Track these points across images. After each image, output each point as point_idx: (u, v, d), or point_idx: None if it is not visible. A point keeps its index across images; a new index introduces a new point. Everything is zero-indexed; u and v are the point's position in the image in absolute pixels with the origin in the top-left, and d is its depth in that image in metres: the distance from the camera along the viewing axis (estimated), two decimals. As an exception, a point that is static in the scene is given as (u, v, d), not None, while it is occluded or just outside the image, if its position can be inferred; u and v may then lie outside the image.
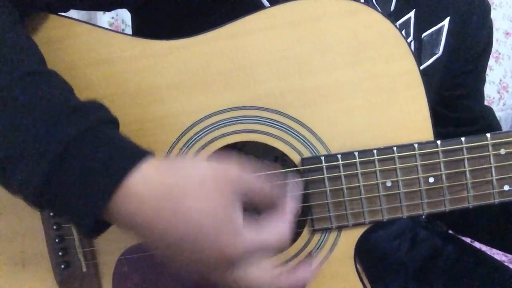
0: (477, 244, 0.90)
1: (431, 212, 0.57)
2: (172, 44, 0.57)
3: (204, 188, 0.44)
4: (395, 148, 0.56)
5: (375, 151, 0.56)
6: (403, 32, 0.70)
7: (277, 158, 0.73)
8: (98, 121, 0.45)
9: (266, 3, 0.62)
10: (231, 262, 0.44)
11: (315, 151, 0.58)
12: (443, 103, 0.79)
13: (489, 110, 0.84)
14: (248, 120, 0.58)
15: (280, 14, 0.56)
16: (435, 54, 0.74)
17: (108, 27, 1.80)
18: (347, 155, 0.57)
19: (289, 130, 0.58)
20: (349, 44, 0.56)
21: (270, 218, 0.48)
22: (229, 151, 0.58)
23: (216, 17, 0.58)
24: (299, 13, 0.56)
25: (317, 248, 0.60)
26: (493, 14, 0.81)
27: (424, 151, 0.56)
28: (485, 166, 0.56)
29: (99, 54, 0.57)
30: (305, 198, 0.58)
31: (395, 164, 0.57)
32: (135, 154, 0.44)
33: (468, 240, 0.90)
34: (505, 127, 2.46)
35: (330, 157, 0.57)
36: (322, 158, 0.57)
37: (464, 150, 0.56)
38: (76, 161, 0.43)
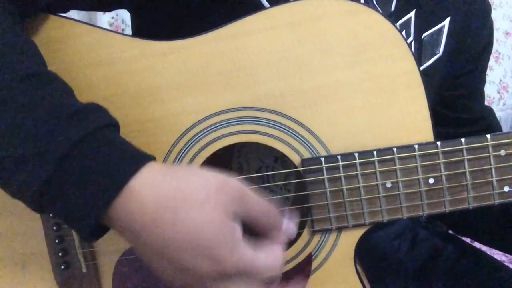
0: (477, 244, 0.90)
1: (431, 213, 0.57)
2: (172, 45, 0.57)
3: (207, 199, 0.43)
4: (395, 149, 0.56)
5: (375, 152, 0.56)
6: (404, 32, 0.70)
7: (277, 159, 0.73)
8: (99, 124, 0.45)
9: (266, 4, 0.62)
10: (224, 276, 0.44)
11: (315, 152, 0.58)
12: (443, 103, 0.79)
13: (489, 110, 0.84)
14: (248, 121, 0.58)
15: (280, 14, 0.56)
16: (435, 54, 0.73)
17: (108, 27, 1.81)
18: (347, 156, 0.57)
19: (289, 131, 0.58)
20: (349, 44, 0.56)
21: (266, 245, 0.48)
22: (229, 152, 0.58)
23: (216, 18, 0.58)
24: (299, 13, 0.56)
25: (317, 249, 0.60)
26: (493, 14, 0.80)
27: (424, 152, 0.56)
28: (485, 167, 0.56)
29: (99, 55, 0.57)
30: (305, 199, 0.58)
31: (395, 165, 0.57)
32: (137, 158, 0.44)
33: (468, 240, 0.90)
34: (505, 127, 2.46)
35: (330, 158, 0.57)
36: (322, 159, 0.57)
37: (464, 151, 0.56)
38: (76, 164, 0.42)
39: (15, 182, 0.43)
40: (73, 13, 0.61)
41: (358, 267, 0.61)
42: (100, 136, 0.44)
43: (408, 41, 0.70)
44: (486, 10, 0.79)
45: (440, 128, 0.61)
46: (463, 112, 0.81)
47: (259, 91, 0.57)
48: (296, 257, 0.60)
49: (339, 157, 0.57)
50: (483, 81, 0.83)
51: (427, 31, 0.72)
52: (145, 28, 0.69)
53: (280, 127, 0.58)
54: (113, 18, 1.87)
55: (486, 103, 0.85)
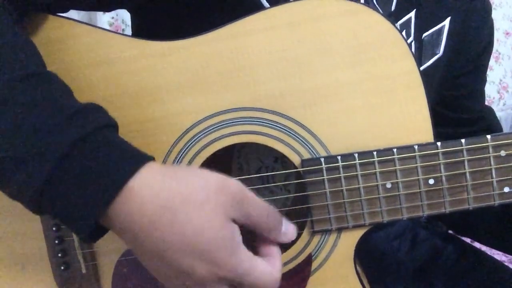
0: (477, 244, 0.90)
1: (431, 214, 0.57)
2: (172, 45, 0.57)
3: (207, 200, 0.43)
4: (395, 150, 0.56)
5: (375, 153, 0.56)
6: (404, 32, 0.70)
7: (277, 159, 0.73)
8: (98, 124, 0.45)
9: (266, 4, 0.62)
10: (222, 281, 0.44)
11: (315, 153, 0.58)
12: (443, 103, 0.79)
13: (490, 110, 0.84)
14: (248, 121, 0.58)
15: (280, 14, 0.56)
16: (435, 54, 0.73)
17: (108, 27, 1.81)
18: (347, 156, 0.57)
19: (288, 132, 0.58)
20: (349, 44, 0.56)
21: (267, 256, 0.47)
22: (229, 152, 0.58)
23: (216, 18, 0.58)
24: (299, 13, 0.56)
25: (317, 250, 0.60)
26: (493, 14, 0.80)
27: (424, 152, 0.56)
28: (485, 167, 0.56)
29: (99, 55, 0.57)
30: (305, 199, 0.58)
31: (395, 166, 0.56)
32: (136, 159, 0.44)
33: (468, 240, 0.90)
34: (505, 127, 2.47)
35: (330, 158, 0.57)
36: (322, 159, 0.57)
37: (464, 152, 0.56)
38: (76, 164, 0.42)
39: (14, 183, 0.43)
40: (73, 13, 0.61)
41: (358, 267, 0.61)
42: (100, 136, 0.44)
43: (408, 41, 0.70)
44: (486, 10, 0.78)
45: (440, 128, 0.61)
46: (463, 112, 0.81)
47: (259, 91, 0.57)
48: (296, 258, 0.60)
49: (339, 157, 0.57)
50: (483, 81, 0.83)
51: (427, 31, 0.72)
52: (145, 28, 0.69)
53: (280, 127, 0.58)
54: (113, 18, 1.87)
55: (486, 103, 0.85)
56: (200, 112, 0.58)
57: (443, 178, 0.57)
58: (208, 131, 0.58)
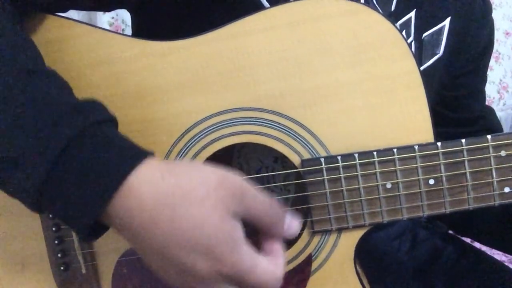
0: (477, 244, 0.90)
1: (431, 214, 0.57)
2: (172, 45, 0.57)
3: (207, 196, 0.43)
4: (395, 150, 0.56)
5: (375, 153, 0.56)
6: (404, 32, 0.70)
7: (277, 159, 0.73)
8: (97, 120, 0.44)
9: (266, 4, 0.62)
10: (223, 277, 0.43)
11: (315, 153, 0.58)
12: (443, 103, 0.79)
13: (490, 110, 0.84)
14: (248, 122, 0.58)
15: (280, 14, 0.56)
16: (436, 54, 0.73)
17: (108, 27, 1.81)
18: (347, 156, 0.57)
19: (288, 132, 0.58)
20: (349, 44, 0.56)
21: (270, 255, 0.47)
22: (229, 152, 0.58)
23: (216, 18, 0.58)
24: (299, 13, 0.56)
25: (317, 250, 0.60)
26: (493, 14, 0.80)
27: (425, 152, 0.56)
28: (485, 168, 0.56)
29: (99, 55, 0.57)
30: (305, 199, 0.58)
31: (395, 166, 0.56)
32: (135, 155, 0.44)
33: (468, 240, 0.90)
34: (505, 127, 2.47)
35: (330, 158, 0.57)
36: (322, 159, 0.57)
37: (465, 152, 0.56)
38: (75, 160, 0.42)
39: (14, 181, 0.43)
40: (73, 13, 0.61)
41: (358, 268, 0.61)
42: (98, 131, 0.44)
43: (408, 41, 0.70)
44: (486, 10, 0.78)
45: (440, 128, 0.61)
46: (464, 112, 0.81)
47: (259, 91, 0.57)
48: (296, 258, 0.60)
49: (339, 157, 0.57)
50: (483, 81, 0.83)
51: (427, 31, 0.72)
52: (145, 28, 0.69)
53: (280, 127, 0.58)
54: (113, 18, 1.87)
55: (486, 103, 0.85)
56: (200, 112, 0.58)
57: (443, 178, 0.57)
58: (208, 131, 0.58)
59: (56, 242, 0.59)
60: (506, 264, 0.82)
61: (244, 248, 0.44)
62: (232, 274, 0.43)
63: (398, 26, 0.66)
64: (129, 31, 0.76)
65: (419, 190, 0.57)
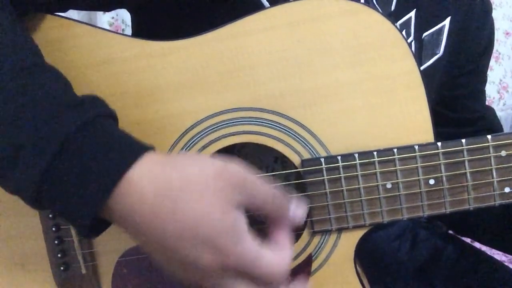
0: (477, 244, 0.90)
1: (432, 214, 0.57)
2: (172, 45, 0.57)
3: (206, 187, 0.42)
4: (395, 150, 0.56)
5: (375, 153, 0.56)
6: (404, 32, 0.70)
7: (277, 159, 0.73)
8: (97, 115, 0.44)
9: (266, 4, 0.62)
10: (227, 270, 0.43)
11: (315, 153, 0.58)
12: (443, 103, 0.79)
13: (490, 110, 0.84)
14: (248, 122, 0.58)
15: (280, 14, 0.56)
16: (436, 54, 0.73)
17: (108, 27, 1.81)
18: (347, 156, 0.57)
19: (289, 132, 0.58)
20: (349, 44, 0.56)
21: (275, 245, 0.46)
22: (229, 152, 0.58)
23: (216, 18, 0.58)
24: (299, 13, 0.56)
25: (317, 250, 0.60)
26: (493, 14, 0.80)
27: (425, 152, 0.56)
28: (486, 168, 0.56)
29: (99, 55, 0.57)
30: (305, 199, 0.58)
31: (395, 166, 0.56)
32: (135, 149, 0.44)
33: (468, 240, 0.90)
34: (505, 127, 2.47)
35: (330, 158, 0.57)
36: (322, 159, 0.57)
37: (465, 152, 0.56)
38: (75, 155, 0.42)
39: (14, 176, 0.43)
40: (73, 13, 0.61)
41: (358, 268, 0.61)
42: (98, 126, 0.44)
43: (408, 41, 0.70)
44: (486, 9, 0.79)
45: (441, 128, 0.61)
46: (464, 112, 0.81)
47: (259, 91, 0.57)
48: (296, 258, 0.60)
49: (339, 157, 0.57)
50: (483, 81, 0.83)
51: (427, 31, 0.72)
52: (145, 28, 0.69)
53: (280, 127, 0.58)
54: (113, 18, 1.87)
55: (486, 103, 0.85)
56: (200, 112, 0.58)
57: (444, 178, 0.57)
58: (208, 131, 0.58)
59: (56, 242, 0.59)
60: (506, 264, 0.82)
61: (248, 240, 0.43)
62: (236, 266, 0.42)
63: (398, 26, 0.66)
64: (129, 31, 0.76)
65: (419, 190, 0.57)
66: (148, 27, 0.68)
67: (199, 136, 0.58)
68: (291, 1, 0.56)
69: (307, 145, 0.58)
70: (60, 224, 0.59)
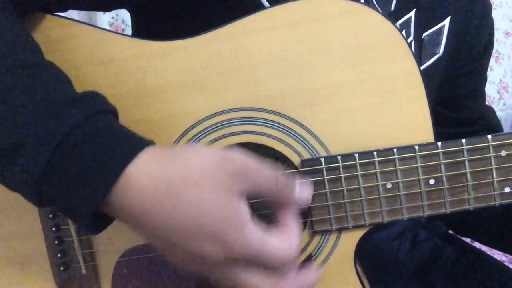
0: (477, 244, 0.90)
1: (432, 214, 0.57)
2: (172, 45, 0.57)
3: (205, 179, 0.42)
4: (395, 150, 0.56)
5: (375, 153, 0.56)
6: (404, 32, 0.70)
7: (277, 159, 0.73)
8: (97, 111, 0.44)
9: (266, 3, 0.62)
10: (234, 261, 0.42)
11: (315, 153, 0.58)
12: (443, 103, 0.79)
13: (490, 110, 0.84)
14: (248, 122, 0.58)
15: (280, 14, 0.56)
16: (435, 54, 0.73)
17: (108, 27, 1.81)
18: (347, 156, 0.57)
19: (289, 132, 0.58)
20: (349, 44, 0.56)
21: (280, 228, 0.45)
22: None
23: (215, 18, 0.58)
24: (299, 13, 0.56)
25: (317, 250, 0.60)
26: (493, 14, 0.80)
27: (425, 152, 0.56)
28: (486, 168, 0.56)
29: (99, 55, 0.57)
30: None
31: (395, 166, 0.56)
32: (135, 144, 0.43)
33: (468, 240, 0.90)
34: (505, 127, 2.47)
35: (330, 158, 0.57)
36: (322, 159, 0.57)
37: (465, 152, 0.56)
38: (75, 151, 0.42)
39: (14, 171, 0.43)
40: (73, 13, 0.61)
41: (358, 268, 0.61)
42: (98, 121, 0.44)
43: (408, 40, 0.70)
44: (486, 9, 0.79)
45: (441, 128, 0.61)
46: (464, 112, 0.81)
47: (259, 91, 0.57)
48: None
49: (339, 157, 0.57)
50: (483, 80, 0.83)
51: (427, 30, 0.72)
52: (145, 28, 0.69)
53: (280, 127, 0.58)
54: (113, 18, 1.87)
55: (486, 103, 0.85)
56: (200, 112, 0.58)
57: (444, 178, 0.57)
58: (208, 131, 0.58)
59: (56, 242, 0.59)
60: (506, 264, 0.82)
61: (251, 228, 0.42)
62: (242, 255, 0.42)
63: (398, 26, 0.66)
64: (129, 31, 0.76)
65: (419, 190, 0.57)
66: (148, 27, 0.68)
67: (199, 136, 0.58)
68: (291, 1, 0.56)
69: (307, 145, 0.58)
70: (60, 224, 0.59)
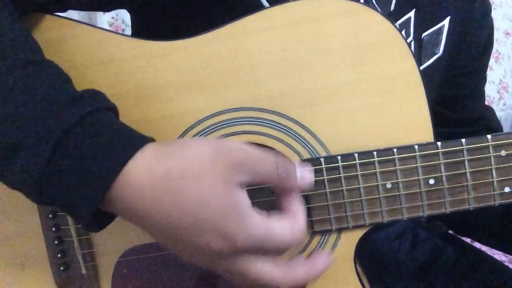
0: (477, 244, 0.90)
1: (432, 214, 0.57)
2: (172, 45, 0.57)
3: (203, 172, 0.42)
4: (395, 150, 0.56)
5: (375, 153, 0.56)
6: (403, 32, 0.70)
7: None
8: (97, 108, 0.44)
9: (266, 3, 0.62)
10: (238, 253, 0.42)
11: (315, 153, 0.58)
12: (443, 103, 0.79)
13: (490, 110, 0.84)
14: (248, 122, 0.58)
15: (280, 14, 0.56)
16: (435, 54, 0.73)
17: (108, 27, 1.81)
18: (347, 156, 0.57)
19: (288, 132, 0.58)
20: (349, 44, 0.56)
21: (284, 213, 0.44)
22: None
23: (215, 18, 0.58)
24: (299, 13, 0.56)
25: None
26: (493, 14, 0.81)
27: (425, 152, 0.56)
28: (485, 167, 0.56)
29: (99, 55, 0.57)
30: (305, 199, 0.58)
31: (395, 166, 0.56)
32: (134, 142, 0.44)
33: (468, 240, 0.90)
34: (505, 127, 2.47)
35: (330, 158, 0.57)
36: (322, 159, 0.57)
37: (465, 152, 0.56)
38: (75, 150, 0.42)
39: (14, 169, 0.43)
40: (73, 13, 0.61)
41: (358, 268, 0.61)
42: (98, 119, 0.44)
43: (408, 40, 0.70)
44: (486, 9, 0.79)
45: (440, 128, 0.61)
46: (463, 112, 0.81)
47: (259, 91, 0.57)
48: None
49: (339, 157, 0.57)
50: (483, 80, 0.83)
51: (427, 30, 0.72)
52: (145, 28, 0.69)
53: (280, 127, 0.58)
54: (113, 18, 1.87)
55: (486, 103, 0.85)
56: (200, 112, 0.58)
57: (444, 178, 0.57)
58: (208, 131, 0.58)
59: (56, 242, 0.59)
60: (506, 264, 0.82)
61: (253, 215, 0.42)
62: (246, 245, 0.42)
63: (397, 26, 0.66)
64: (129, 31, 0.76)
65: (419, 190, 0.57)
66: (148, 27, 0.69)
67: (199, 136, 0.58)
68: (291, 1, 0.56)
69: (307, 145, 0.58)
70: (60, 224, 0.59)
